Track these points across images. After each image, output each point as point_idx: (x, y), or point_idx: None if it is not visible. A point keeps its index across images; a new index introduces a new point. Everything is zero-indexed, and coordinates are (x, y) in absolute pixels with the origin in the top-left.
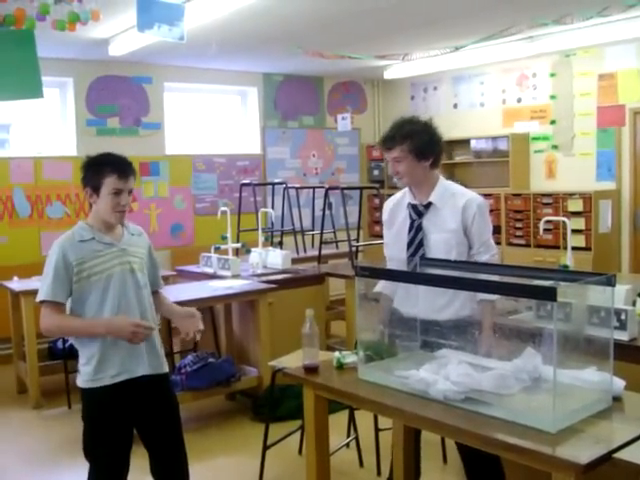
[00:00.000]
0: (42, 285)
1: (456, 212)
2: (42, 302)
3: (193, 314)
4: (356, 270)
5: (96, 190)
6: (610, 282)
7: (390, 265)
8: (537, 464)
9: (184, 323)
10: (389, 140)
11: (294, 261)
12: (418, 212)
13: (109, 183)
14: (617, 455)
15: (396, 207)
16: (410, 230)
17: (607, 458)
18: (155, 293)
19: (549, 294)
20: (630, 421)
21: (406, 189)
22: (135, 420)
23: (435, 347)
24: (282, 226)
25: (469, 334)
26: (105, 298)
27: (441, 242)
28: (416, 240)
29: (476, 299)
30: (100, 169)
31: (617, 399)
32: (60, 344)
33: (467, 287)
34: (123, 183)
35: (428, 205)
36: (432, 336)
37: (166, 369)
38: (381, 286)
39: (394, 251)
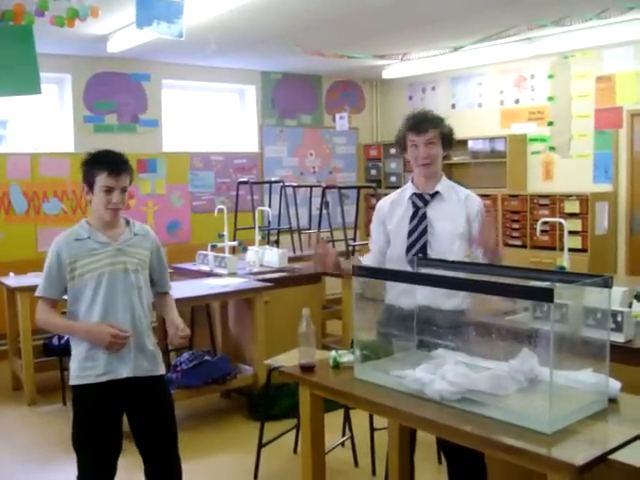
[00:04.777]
0: (40, 281)
1: (460, 203)
2: (39, 297)
3: (177, 326)
4: (353, 270)
5: (91, 187)
6: (607, 284)
7: (375, 259)
8: (533, 465)
9: (170, 330)
10: (425, 121)
11: (291, 260)
12: (424, 200)
13: (100, 180)
14: (612, 456)
15: (395, 203)
16: (412, 219)
17: (602, 459)
18: (162, 294)
19: (546, 295)
20: (625, 423)
21: (407, 186)
22: (129, 422)
23: (432, 346)
24: (279, 224)
25: (466, 331)
26: (96, 297)
27: (447, 231)
28: (419, 228)
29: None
30: (93, 166)
31: (613, 401)
32: (55, 341)
33: (464, 287)
34: (114, 181)
35: (434, 194)
36: (433, 326)
37: (161, 371)
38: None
39: (394, 246)
